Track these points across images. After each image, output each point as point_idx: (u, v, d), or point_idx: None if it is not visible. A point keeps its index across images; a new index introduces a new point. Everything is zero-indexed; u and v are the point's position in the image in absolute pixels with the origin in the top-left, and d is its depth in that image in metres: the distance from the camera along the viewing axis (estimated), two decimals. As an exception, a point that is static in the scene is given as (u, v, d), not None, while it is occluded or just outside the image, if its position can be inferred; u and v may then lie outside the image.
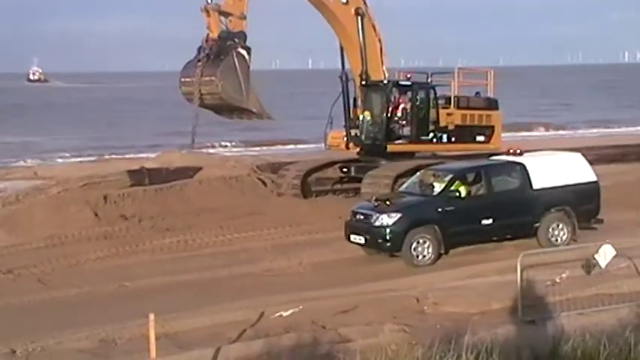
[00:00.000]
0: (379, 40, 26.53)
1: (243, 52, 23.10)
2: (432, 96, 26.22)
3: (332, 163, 27.01)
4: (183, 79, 23.76)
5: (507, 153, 21.01)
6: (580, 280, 15.56)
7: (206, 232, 22.01)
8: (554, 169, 20.25)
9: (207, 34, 23.05)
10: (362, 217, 19.31)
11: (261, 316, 14.65)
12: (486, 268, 17.65)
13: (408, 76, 26.90)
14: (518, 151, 20.67)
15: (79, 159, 43.81)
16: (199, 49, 23.22)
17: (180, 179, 27.01)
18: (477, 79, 30.39)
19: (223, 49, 22.95)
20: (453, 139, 26.62)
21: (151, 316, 10.98)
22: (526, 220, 19.68)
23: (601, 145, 40.13)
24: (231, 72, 22.95)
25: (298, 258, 19.43)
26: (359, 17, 25.71)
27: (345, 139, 26.38)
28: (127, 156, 42.63)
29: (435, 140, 26.29)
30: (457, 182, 19.47)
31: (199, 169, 29.36)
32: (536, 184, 19.80)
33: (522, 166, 19.96)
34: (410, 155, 25.92)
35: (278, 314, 14.73)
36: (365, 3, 26.07)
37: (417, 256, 18.63)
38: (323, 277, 18.20)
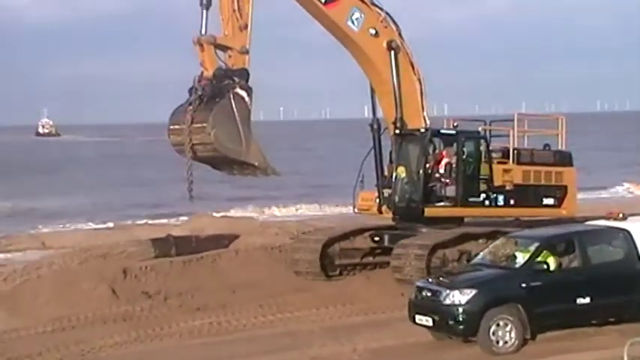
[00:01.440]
0: (419, 81, 25.92)
1: (243, 93, 22.56)
2: (483, 148, 25.62)
3: (360, 231, 26.18)
4: (172, 127, 23.05)
5: (607, 217, 20.71)
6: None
7: (243, 313, 22.02)
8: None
9: (202, 72, 22.65)
10: (429, 293, 19.14)
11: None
12: (584, 359, 17.43)
13: (455, 124, 26.40)
14: (620, 215, 20.42)
15: (93, 225, 44.32)
16: (191, 90, 22.65)
17: (213, 249, 27.17)
18: (543, 127, 29.57)
19: (219, 90, 22.42)
20: (511, 201, 25.78)
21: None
22: (633, 299, 19.33)
23: None
24: (228, 117, 22.35)
25: (352, 343, 19.32)
26: (392, 52, 25.19)
27: (378, 201, 25.55)
28: (150, 222, 43.05)
29: (487, 203, 25.47)
30: (545, 252, 19.22)
31: (236, 236, 29.56)
32: (645, 254, 19.57)
33: (626, 232, 19.69)
34: (457, 221, 25.35)
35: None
36: (400, 35, 25.51)
37: (497, 342, 18.30)
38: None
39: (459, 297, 18.44)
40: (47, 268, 26.29)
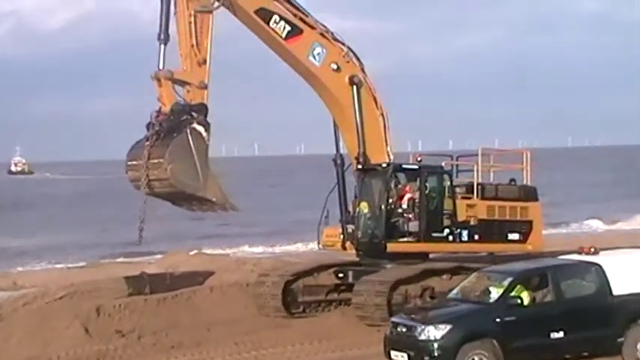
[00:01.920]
0: (382, 115, 25.59)
1: (200, 128, 22.44)
2: (446, 183, 25.25)
3: (323, 267, 25.73)
4: (129, 163, 22.80)
5: (579, 252, 20.85)
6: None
7: (218, 350, 21.94)
8: (638, 270, 20.04)
9: (159, 108, 22.43)
10: (404, 329, 19.12)
11: None
12: None
13: (419, 158, 26.11)
14: (592, 250, 20.54)
15: (66, 264, 44.07)
16: (148, 126, 22.47)
17: (187, 286, 27.04)
18: (510, 161, 29.14)
19: (176, 126, 22.24)
20: (476, 236, 25.36)
21: None
22: (606, 334, 19.36)
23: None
24: (185, 153, 22.15)
25: (327, 380, 19.23)
26: (354, 87, 24.95)
27: (342, 237, 25.28)
28: (123, 260, 42.91)
29: (451, 238, 25.04)
30: (519, 287, 19.26)
31: (211, 273, 29.51)
32: (617, 289, 19.56)
33: (599, 267, 19.75)
34: (422, 256, 24.95)
35: None
36: (363, 70, 25.35)
37: (473, 377, 18.40)
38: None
39: (434, 332, 18.42)
40: (19, 308, 26.07)
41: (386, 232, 24.39)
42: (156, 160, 21.92)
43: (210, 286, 27.21)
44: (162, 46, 22.36)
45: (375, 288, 22.92)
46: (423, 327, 18.66)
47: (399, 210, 24.74)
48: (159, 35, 22.33)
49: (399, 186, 25.06)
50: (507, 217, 25.89)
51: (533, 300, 19.32)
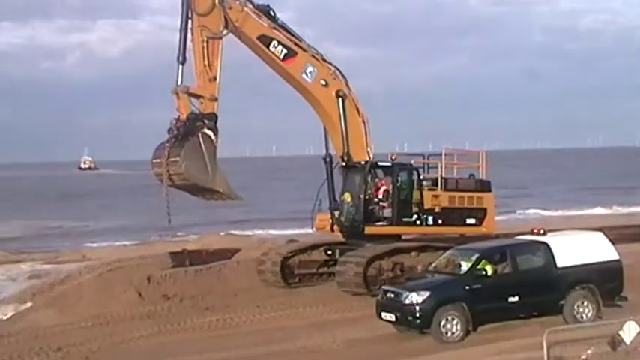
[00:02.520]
0: (363, 122, 24.92)
1: (210, 132, 22.01)
2: (414, 177, 24.82)
3: (314, 246, 25.43)
4: (154, 161, 22.44)
5: (531, 232, 20.78)
6: (606, 357, 15.11)
7: (244, 311, 21.87)
8: (577, 247, 20.02)
9: (178, 116, 22.03)
10: (392, 295, 19.15)
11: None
12: (514, 345, 17.26)
13: (393, 157, 25.31)
14: (541, 231, 20.49)
15: (123, 242, 44.10)
16: (169, 131, 22.14)
17: (219, 260, 26.93)
18: (468, 161, 28.25)
19: (190, 131, 21.88)
20: (439, 221, 24.92)
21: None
22: (551, 298, 19.38)
23: (621, 224, 39.63)
24: (197, 153, 21.79)
25: (332, 335, 19.20)
26: (340, 99, 24.39)
27: (330, 221, 24.94)
28: (168, 239, 42.84)
29: (419, 223, 24.66)
30: (483, 261, 19.28)
31: (237, 250, 29.37)
32: (560, 262, 19.57)
33: (546, 245, 19.78)
34: (395, 237, 24.45)
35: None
36: (347, 85, 24.67)
37: (446, 333, 18.35)
38: (356, 354, 18.05)
39: (416, 297, 18.50)
40: (87, 276, 26.05)
41: (364, 218, 24.09)
42: (174, 159, 21.66)
43: (237, 260, 27.06)
44: (181, 65, 21.97)
45: (357, 260, 22.75)
46: (407, 293, 18.70)
47: (376, 200, 24.47)
48: (178, 57, 21.93)
49: (376, 180, 24.69)
50: (466, 206, 25.50)
51: (495, 271, 19.31)
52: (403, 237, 25.07)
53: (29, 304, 24.63)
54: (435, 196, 24.96)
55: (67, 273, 28.07)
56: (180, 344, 19.29)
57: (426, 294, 18.50)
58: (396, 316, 18.85)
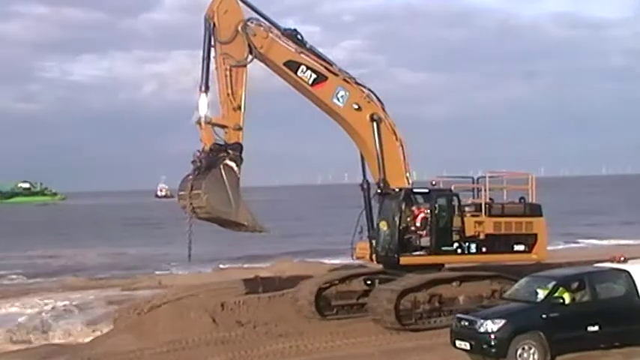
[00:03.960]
0: (401, 146, 23.91)
1: (232, 163, 21.41)
2: (454, 203, 23.56)
3: (351, 277, 24.40)
4: (180, 193, 22.16)
5: (611, 260, 20.17)
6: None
7: (317, 338, 21.70)
8: (660, 276, 19.31)
9: (203, 147, 21.58)
10: (467, 323, 18.71)
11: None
12: None
13: (434, 183, 24.50)
14: (622, 258, 19.87)
15: (198, 269, 44.49)
16: (193, 162, 21.70)
17: (292, 287, 26.81)
18: (516, 184, 26.70)
19: (213, 162, 21.32)
20: (483, 249, 23.62)
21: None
22: (634, 328, 18.67)
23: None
24: (219, 185, 21.20)
25: (405, 364, 18.89)
26: (374, 123, 23.47)
27: (370, 250, 23.85)
28: (242, 266, 43.10)
29: (460, 251, 23.35)
30: (561, 289, 18.71)
31: (310, 277, 29.27)
32: (643, 291, 18.95)
33: (627, 273, 19.12)
34: (437, 267, 23.34)
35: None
36: (383, 109, 23.80)
37: (523, 363, 17.90)
38: (430, 383, 17.69)
39: (491, 326, 18.02)
40: (163, 302, 26.32)
41: (400, 247, 23.03)
42: (196, 191, 21.26)
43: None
44: (203, 94, 21.50)
45: (386, 295, 21.88)
46: (482, 321, 18.23)
47: (413, 228, 23.30)
48: (200, 86, 21.48)
49: (414, 207, 23.47)
50: (513, 232, 24.06)
51: (573, 300, 18.69)
52: (447, 267, 23.95)
53: (108, 329, 25.12)
54: (479, 222, 23.75)
55: (144, 299, 28.50)
56: None
57: (501, 322, 18.00)
58: (471, 345, 18.36)
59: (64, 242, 65.88)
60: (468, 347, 18.49)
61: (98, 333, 25.23)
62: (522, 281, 20.21)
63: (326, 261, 45.04)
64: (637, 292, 18.90)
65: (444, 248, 23.18)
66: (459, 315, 19.49)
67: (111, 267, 49.51)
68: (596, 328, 18.42)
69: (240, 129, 21.74)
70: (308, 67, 22.76)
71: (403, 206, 23.23)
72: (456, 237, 23.35)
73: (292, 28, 22.88)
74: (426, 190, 23.67)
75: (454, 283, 22.75)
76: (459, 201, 23.74)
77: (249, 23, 22.00)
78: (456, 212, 23.49)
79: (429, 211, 23.26)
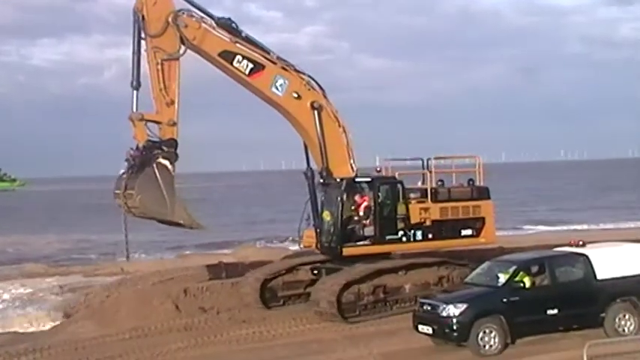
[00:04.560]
0: (344, 133, 23.26)
1: (165, 161, 20.89)
2: (399, 191, 23.14)
3: (295, 267, 24.04)
4: (115, 192, 21.66)
5: (570, 244, 20.47)
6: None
7: (280, 324, 21.80)
8: (617, 259, 19.62)
9: (136, 145, 21.03)
10: (429, 307, 18.94)
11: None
12: (553, 358, 17.15)
13: (378, 169, 23.99)
14: (580, 243, 20.19)
15: (161, 255, 44.44)
16: (126, 161, 21.27)
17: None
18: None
19: (147, 160, 20.81)
20: (430, 235, 23.28)
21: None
22: (592, 311, 19.01)
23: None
24: (152, 184, 20.72)
25: (368, 348, 19.12)
26: (315, 111, 22.77)
27: (315, 239, 23.47)
28: (204, 252, 43.05)
29: (404, 239, 23.02)
30: (521, 273, 18.98)
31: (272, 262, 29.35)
32: (600, 274, 19.21)
33: (585, 257, 19.43)
34: (382, 256, 22.94)
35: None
36: (325, 96, 23.11)
37: (484, 346, 18.06)
38: (393, 367, 17.85)
39: (453, 310, 18.27)
40: (125, 289, 26.35)
41: (342, 238, 22.61)
42: (130, 191, 20.89)
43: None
44: (135, 91, 20.99)
45: (331, 288, 21.64)
46: (444, 306, 18.49)
47: (356, 218, 22.86)
48: (132, 82, 20.94)
49: (357, 196, 22.95)
50: (460, 216, 23.74)
51: (533, 284, 18.98)
52: (394, 255, 23.71)
53: (68, 317, 25.00)
54: (424, 209, 23.34)
55: (105, 286, 28.38)
56: (217, 357, 19.33)
57: (463, 306, 18.26)
58: (433, 329, 18.61)
59: (24, 229, 65.10)
60: (430, 331, 18.74)
61: (59, 321, 25.10)
62: (484, 265, 20.44)
63: (291, 247, 45.27)
64: (594, 276, 19.24)
65: (388, 237, 22.83)
66: (421, 300, 19.71)
67: (72, 253, 49.12)
68: (555, 311, 18.70)
69: (174, 124, 21.18)
70: (244, 57, 22.09)
71: (345, 197, 22.72)
72: (400, 225, 22.96)
73: (227, 17, 22.26)
74: (369, 179, 23.16)
75: (400, 272, 22.62)
76: (404, 188, 23.32)
77: (179, 14, 21.37)
78: (401, 200, 23.09)
79: (372, 199, 22.90)
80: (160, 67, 20.97)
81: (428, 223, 23.23)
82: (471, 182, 24.74)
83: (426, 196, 23.53)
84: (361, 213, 22.83)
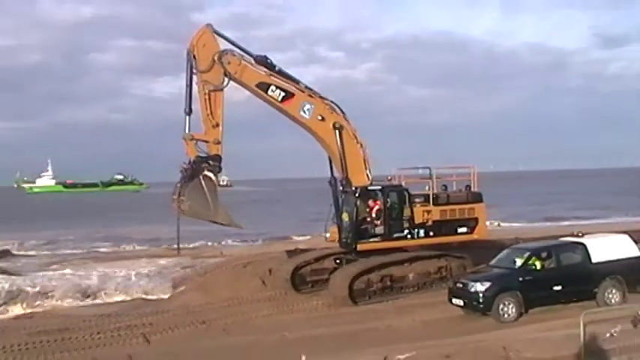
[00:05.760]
0: (361, 148, 22.47)
1: (210, 174, 20.59)
2: (405, 196, 22.70)
3: (322, 258, 23.48)
4: (172, 197, 21.16)
5: (572, 235, 20.56)
6: (629, 333, 14.96)
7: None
8: (608, 247, 19.82)
9: (188, 159, 20.72)
10: (461, 285, 19.25)
11: (384, 360, 14.65)
12: (557, 324, 17.08)
13: (389, 178, 23.50)
14: (580, 234, 20.30)
15: (250, 243, 45.04)
16: (181, 172, 20.93)
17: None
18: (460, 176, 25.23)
19: (196, 172, 20.55)
20: (431, 233, 22.79)
21: (303, 357, 11.11)
22: (587, 287, 19.24)
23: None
24: (199, 192, 20.46)
25: (412, 316, 19.38)
26: (337, 131, 22.09)
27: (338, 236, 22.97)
28: (285, 240, 43.40)
29: (409, 237, 22.58)
30: (534, 258, 19.23)
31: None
32: (595, 258, 19.46)
33: (583, 245, 19.68)
34: (390, 251, 22.40)
35: (397, 358, 14.67)
36: (345, 118, 22.38)
37: (504, 315, 18.45)
38: (431, 331, 18.07)
39: (480, 287, 18.66)
40: (224, 269, 26.63)
41: (357, 236, 22.22)
42: (182, 197, 20.66)
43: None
44: (187, 116, 20.64)
45: (345, 275, 21.32)
46: (473, 283, 18.82)
47: (369, 219, 22.43)
48: (185, 109, 20.59)
49: (370, 201, 22.44)
50: (457, 217, 23.23)
51: (542, 266, 19.22)
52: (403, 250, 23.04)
53: (182, 288, 25.41)
54: (427, 211, 22.86)
55: (209, 265, 29.03)
56: (295, 322, 19.50)
57: (488, 284, 18.65)
58: (464, 302, 18.98)
59: (147, 220, 66.51)
60: (461, 304, 19.12)
61: (175, 291, 25.51)
62: (504, 252, 20.63)
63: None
64: (590, 260, 19.46)
65: (396, 235, 22.53)
66: (454, 278, 20.02)
67: (181, 240, 49.81)
68: (559, 287, 18.97)
69: (218, 143, 20.82)
70: (277, 87, 21.63)
71: (359, 202, 22.27)
72: (406, 225, 22.63)
73: (263, 55, 21.76)
74: (380, 187, 22.73)
75: (405, 264, 22.46)
76: (409, 194, 22.98)
77: (224, 54, 21.04)
78: (407, 203, 22.73)
79: (382, 204, 22.51)
80: (207, 96, 20.70)
81: (429, 223, 22.92)
82: (467, 188, 24.29)
83: (429, 201, 23.16)
84: (373, 215, 22.52)
